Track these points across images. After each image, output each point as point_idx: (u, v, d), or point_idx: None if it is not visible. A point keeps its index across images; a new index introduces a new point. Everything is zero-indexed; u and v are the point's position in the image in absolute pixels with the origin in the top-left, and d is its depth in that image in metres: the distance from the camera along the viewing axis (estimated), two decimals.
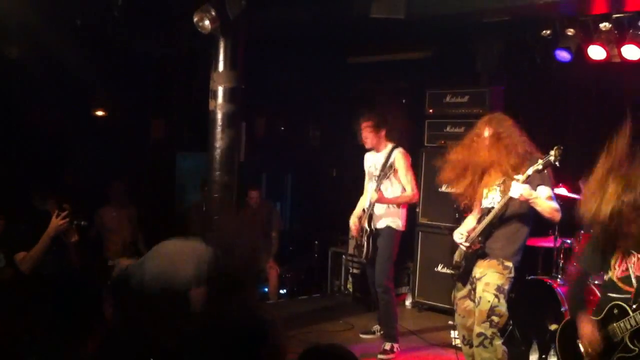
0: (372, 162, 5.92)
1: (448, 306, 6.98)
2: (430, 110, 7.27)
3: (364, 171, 6.06)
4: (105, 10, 5.92)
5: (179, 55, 7.49)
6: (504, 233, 4.39)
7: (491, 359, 4.28)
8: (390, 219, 5.75)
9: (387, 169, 5.65)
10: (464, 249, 4.50)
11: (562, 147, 4.10)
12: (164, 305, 2.35)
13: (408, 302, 7.40)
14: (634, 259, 3.32)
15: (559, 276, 5.67)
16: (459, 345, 5.94)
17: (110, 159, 7.60)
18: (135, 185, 7.95)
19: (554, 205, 4.29)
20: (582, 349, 3.45)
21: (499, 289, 4.30)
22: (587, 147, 6.76)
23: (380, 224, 5.75)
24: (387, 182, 5.71)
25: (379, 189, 5.64)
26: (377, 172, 5.78)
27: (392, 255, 5.79)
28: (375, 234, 5.73)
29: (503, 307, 4.29)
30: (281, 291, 8.15)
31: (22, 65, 6.64)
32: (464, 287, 4.52)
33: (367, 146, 5.92)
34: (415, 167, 7.31)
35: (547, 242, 5.85)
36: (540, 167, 4.12)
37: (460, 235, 4.55)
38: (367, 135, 5.82)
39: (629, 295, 3.31)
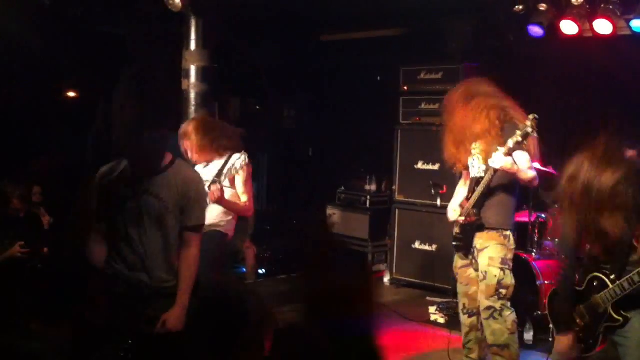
0: None
1: (426, 282, 7.05)
2: (405, 88, 7.26)
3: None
4: None
5: (150, 34, 7.38)
6: (494, 202, 4.40)
7: (502, 330, 4.31)
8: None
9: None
10: (461, 221, 4.52)
11: (536, 116, 4.12)
12: None
13: (386, 279, 7.44)
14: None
15: (534, 250, 5.72)
16: (439, 321, 6.07)
17: (82, 141, 7.49)
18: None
19: (533, 173, 4.34)
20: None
21: (503, 261, 4.33)
22: (560, 121, 6.85)
23: None
24: None
25: None
26: None
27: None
28: None
29: (509, 279, 4.33)
30: (260, 271, 8.15)
31: None
32: (465, 258, 4.53)
33: None
34: (390, 144, 7.36)
35: (522, 217, 5.90)
36: (519, 139, 4.13)
37: (453, 211, 4.56)
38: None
39: (607, 265, 3.34)
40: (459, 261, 4.57)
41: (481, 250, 4.38)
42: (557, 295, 3.63)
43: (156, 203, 3.32)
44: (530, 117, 4.14)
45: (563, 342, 3.45)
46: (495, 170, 4.25)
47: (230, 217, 4.95)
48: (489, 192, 4.38)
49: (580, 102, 6.61)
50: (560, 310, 3.56)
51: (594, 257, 3.39)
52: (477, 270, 4.44)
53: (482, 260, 4.36)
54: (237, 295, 2.41)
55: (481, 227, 4.40)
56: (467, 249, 4.49)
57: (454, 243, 4.60)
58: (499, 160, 4.16)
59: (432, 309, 6.21)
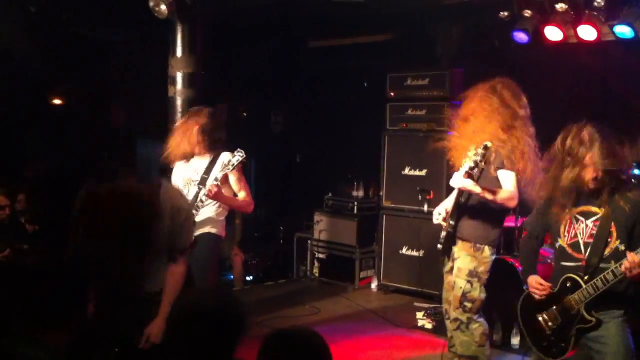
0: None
1: (413, 288, 7.06)
2: (392, 94, 7.29)
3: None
4: None
5: (136, 41, 7.37)
6: (471, 215, 4.35)
7: (469, 342, 4.31)
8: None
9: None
10: (444, 226, 4.49)
11: (488, 145, 3.98)
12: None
13: (373, 285, 7.45)
14: (582, 225, 3.41)
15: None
16: (426, 327, 6.07)
17: (70, 147, 7.46)
18: (97, 173, 7.81)
19: (506, 196, 4.17)
20: (541, 321, 3.53)
21: (470, 273, 4.28)
22: (544, 127, 6.88)
23: None
24: None
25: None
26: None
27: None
28: None
29: (476, 292, 4.28)
30: (247, 278, 8.14)
31: None
32: (450, 262, 4.49)
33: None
34: (377, 150, 7.38)
35: (508, 222, 5.91)
36: (472, 164, 4.01)
37: (437, 215, 4.53)
38: None
39: (580, 263, 3.38)
40: (446, 265, 4.54)
41: (455, 259, 4.38)
42: (520, 257, 4.00)
43: None
44: (483, 145, 3.98)
45: (532, 280, 3.58)
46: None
47: (222, 219, 4.92)
48: (466, 204, 4.34)
49: (566, 107, 6.65)
50: (521, 260, 3.92)
51: (566, 253, 3.44)
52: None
53: (454, 270, 4.36)
54: (235, 303, 2.41)
55: (454, 240, 4.37)
56: (449, 253, 4.48)
57: (439, 246, 4.56)
58: (457, 180, 4.10)
59: (419, 315, 6.22)
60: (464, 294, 4.27)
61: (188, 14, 5.69)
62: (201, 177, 4.81)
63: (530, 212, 5.75)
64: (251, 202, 4.96)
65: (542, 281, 3.54)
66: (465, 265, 4.30)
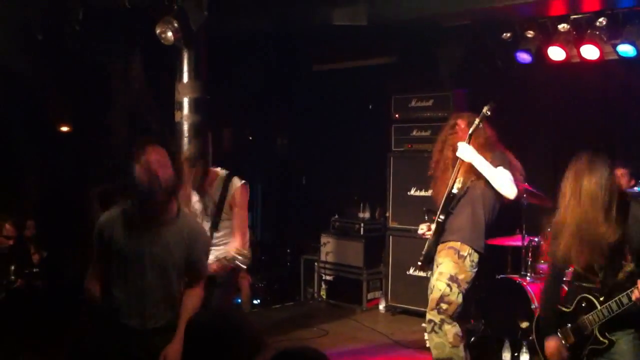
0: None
1: (421, 309, 6.99)
2: (396, 115, 7.33)
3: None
4: (66, 24, 5.86)
5: (141, 66, 7.44)
6: (461, 215, 4.45)
7: (442, 343, 4.35)
8: None
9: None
10: (429, 236, 4.57)
11: (494, 103, 4.38)
12: None
13: (381, 306, 7.42)
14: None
15: (528, 274, 5.73)
16: None
17: (76, 172, 7.50)
18: (105, 197, 7.84)
19: (505, 177, 4.38)
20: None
21: (451, 278, 4.35)
22: (550, 146, 6.91)
23: None
24: None
25: None
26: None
27: None
28: None
29: (454, 296, 4.34)
30: (254, 301, 8.11)
31: None
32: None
33: None
34: (383, 171, 7.41)
35: (515, 241, 5.92)
36: (479, 122, 4.39)
37: (421, 228, 4.68)
38: None
39: (595, 285, 3.36)
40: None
41: (437, 266, 4.46)
42: (542, 302, 3.70)
43: (162, 253, 3.28)
44: (489, 103, 4.40)
45: (550, 344, 3.47)
46: (468, 185, 4.40)
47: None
48: (459, 205, 4.45)
49: (569, 126, 6.68)
50: (543, 313, 3.63)
51: (581, 275, 3.41)
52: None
53: (434, 276, 4.45)
54: (251, 326, 2.40)
55: (444, 240, 4.46)
56: (429, 265, 4.57)
57: (419, 262, 4.66)
58: (463, 148, 4.37)
59: (427, 335, 6.18)
60: (442, 296, 4.34)
61: (193, 40, 5.75)
62: (212, 215, 4.52)
63: (535, 229, 5.79)
64: (246, 241, 4.54)
65: (562, 350, 3.42)
66: (447, 270, 4.38)
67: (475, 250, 4.43)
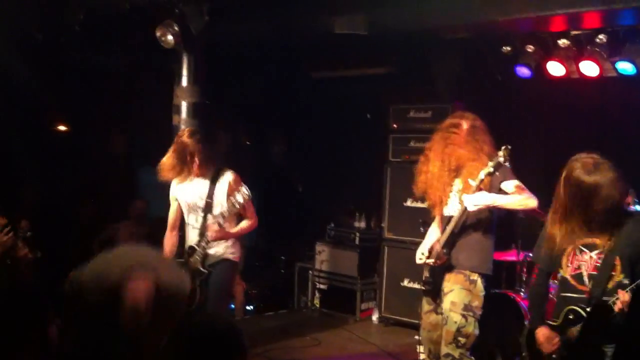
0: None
1: (415, 321, 6.98)
2: (394, 125, 7.32)
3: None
4: (64, 26, 5.85)
5: (140, 70, 7.44)
6: (467, 242, 4.27)
7: None
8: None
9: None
10: (431, 264, 4.41)
11: (509, 147, 4.02)
12: (99, 302, 2.22)
13: (374, 317, 7.40)
14: (586, 257, 3.35)
15: (522, 290, 5.71)
16: None
17: (71, 176, 7.49)
18: (101, 201, 7.85)
19: (523, 195, 4.13)
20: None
21: (466, 307, 4.19)
22: (546, 162, 6.90)
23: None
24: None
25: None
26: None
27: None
28: None
29: (471, 327, 4.20)
30: (247, 307, 8.09)
31: None
32: (433, 302, 4.42)
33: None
34: (380, 182, 7.39)
35: (510, 256, 5.90)
36: (491, 169, 4.02)
37: (420, 255, 4.46)
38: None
39: (583, 295, 3.34)
40: (425, 306, 4.47)
41: (447, 293, 4.26)
42: (529, 298, 3.80)
43: None
44: (503, 147, 4.04)
45: (540, 333, 3.46)
46: (466, 208, 4.12)
47: (236, 241, 4.93)
48: (462, 231, 4.26)
49: (566, 142, 6.67)
50: (531, 305, 3.72)
51: (569, 284, 3.40)
52: (441, 313, 4.33)
53: (445, 304, 4.25)
54: (239, 332, 2.37)
55: (450, 268, 4.27)
56: (435, 293, 4.38)
57: (422, 288, 4.50)
58: (471, 199, 4.04)
59: (420, 348, 6.15)
60: (458, 329, 4.18)
61: (193, 44, 5.75)
62: (205, 202, 4.77)
63: (530, 244, 5.77)
64: (255, 222, 4.90)
65: (552, 335, 3.42)
66: (460, 299, 4.20)
67: (486, 273, 4.30)
